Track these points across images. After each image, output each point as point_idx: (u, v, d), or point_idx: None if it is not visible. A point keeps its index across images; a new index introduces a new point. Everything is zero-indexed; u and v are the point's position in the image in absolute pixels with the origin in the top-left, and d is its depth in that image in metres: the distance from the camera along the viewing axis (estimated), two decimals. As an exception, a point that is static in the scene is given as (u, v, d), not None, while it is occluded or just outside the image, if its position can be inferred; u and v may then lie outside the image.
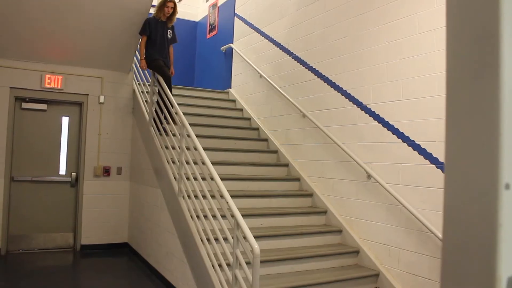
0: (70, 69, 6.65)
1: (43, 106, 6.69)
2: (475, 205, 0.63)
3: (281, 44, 6.58)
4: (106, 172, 6.84)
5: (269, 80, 6.68)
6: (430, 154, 4.05)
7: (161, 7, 5.98)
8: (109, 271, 5.88)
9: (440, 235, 3.92)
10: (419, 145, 4.19)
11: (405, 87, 4.39)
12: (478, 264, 0.62)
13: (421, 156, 4.15)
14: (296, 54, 6.18)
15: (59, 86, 6.59)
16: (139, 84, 6.92)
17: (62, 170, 6.82)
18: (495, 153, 0.60)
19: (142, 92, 6.76)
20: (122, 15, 5.70)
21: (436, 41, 4.05)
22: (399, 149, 4.39)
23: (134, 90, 7.05)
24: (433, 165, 4.02)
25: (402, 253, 4.29)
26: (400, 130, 4.41)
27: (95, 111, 6.84)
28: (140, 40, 6.11)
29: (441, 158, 3.97)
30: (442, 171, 3.90)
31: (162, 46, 6.03)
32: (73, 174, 6.80)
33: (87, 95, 6.81)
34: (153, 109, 5.91)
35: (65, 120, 6.88)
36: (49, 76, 6.53)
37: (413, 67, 4.29)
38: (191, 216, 4.39)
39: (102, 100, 6.84)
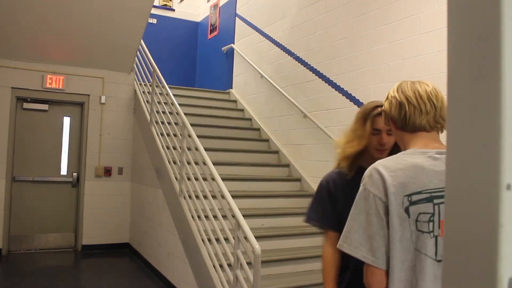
0: (71, 69, 6.66)
1: (45, 107, 6.69)
2: (476, 206, 0.63)
3: (282, 44, 6.58)
4: (107, 172, 6.84)
5: (270, 81, 6.68)
6: (431, 154, 4.04)
7: (363, 135, 1.99)
8: (110, 271, 5.88)
9: (441, 236, 3.91)
10: (420, 145, 4.18)
11: (406, 87, 4.38)
12: (479, 264, 0.62)
13: (422, 157, 4.14)
14: (297, 55, 6.18)
15: (60, 87, 6.59)
16: (140, 84, 6.93)
17: (64, 170, 6.82)
18: (496, 154, 0.60)
19: (144, 92, 6.76)
20: (123, 15, 5.70)
21: (437, 41, 4.04)
22: (400, 149, 4.38)
23: (135, 91, 7.05)
24: (434, 166, 4.01)
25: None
26: (401, 131, 4.40)
27: (97, 112, 6.85)
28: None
29: (443, 159, 3.97)
30: (444, 172, 3.89)
31: None
32: (75, 174, 6.80)
33: (89, 95, 6.81)
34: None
35: (66, 121, 6.88)
36: (51, 76, 6.54)
37: (414, 68, 4.29)
38: (192, 217, 4.39)
39: (103, 100, 6.84)
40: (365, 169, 1.52)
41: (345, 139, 2.09)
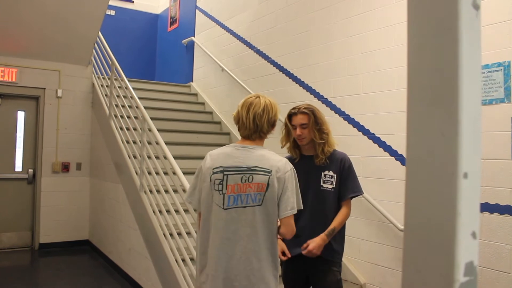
0: (25, 62, 6.41)
1: (-3, 101, 6.44)
2: (435, 194, 0.65)
3: (243, 37, 6.56)
4: (65, 168, 6.66)
5: (231, 74, 6.66)
6: (390, 146, 4.15)
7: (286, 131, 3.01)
8: (70, 270, 5.74)
9: (399, 226, 4.03)
10: (379, 137, 4.28)
11: (365, 81, 4.46)
12: (437, 251, 0.64)
13: (381, 149, 4.24)
14: (258, 48, 6.19)
15: (13, 80, 6.34)
16: (98, 77, 6.76)
17: (18, 167, 6.58)
18: (454, 143, 0.62)
19: (102, 86, 6.60)
20: (80, 5, 5.53)
21: (395, 36, 4.14)
22: (360, 142, 4.47)
23: (93, 84, 6.88)
24: (393, 157, 4.12)
25: (363, 243, 4.38)
26: (361, 124, 4.49)
27: (53, 106, 6.63)
28: None
29: (400, 150, 4.07)
30: (402, 163, 4.00)
31: (309, 214, 2.73)
32: (30, 170, 6.58)
33: (44, 88, 6.59)
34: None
35: (20, 115, 6.64)
36: (2, 69, 6.28)
37: (373, 62, 4.37)
38: (154, 211, 4.34)
39: (60, 94, 6.64)
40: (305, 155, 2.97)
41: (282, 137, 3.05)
